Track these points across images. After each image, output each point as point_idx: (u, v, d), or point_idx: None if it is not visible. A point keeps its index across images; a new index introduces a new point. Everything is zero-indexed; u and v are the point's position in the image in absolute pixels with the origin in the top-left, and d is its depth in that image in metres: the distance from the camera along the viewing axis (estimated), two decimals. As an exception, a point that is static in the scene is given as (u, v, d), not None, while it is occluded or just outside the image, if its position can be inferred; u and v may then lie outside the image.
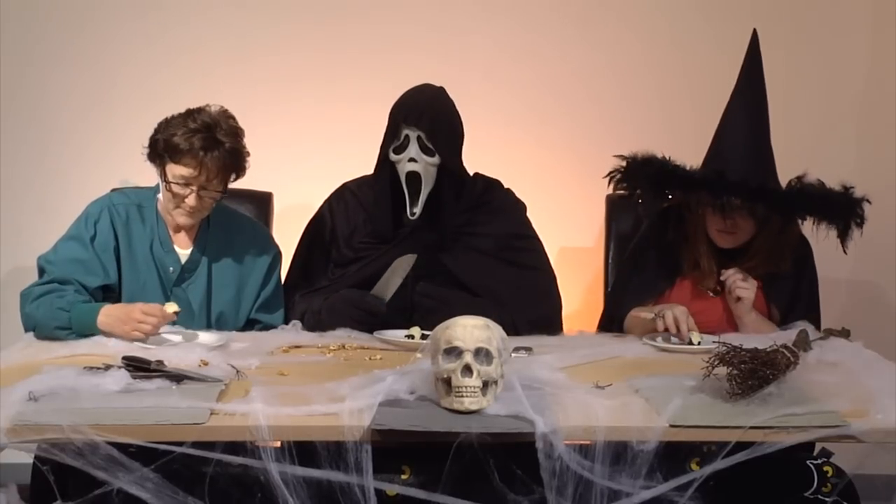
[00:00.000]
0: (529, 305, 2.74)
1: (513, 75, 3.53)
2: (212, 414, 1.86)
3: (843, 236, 2.68)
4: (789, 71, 3.41)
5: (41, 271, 2.60)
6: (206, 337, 2.50)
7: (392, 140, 2.74)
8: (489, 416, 1.88)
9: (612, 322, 2.87)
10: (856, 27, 3.54)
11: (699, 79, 3.49)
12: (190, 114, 2.58)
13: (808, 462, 2.13)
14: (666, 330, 2.56)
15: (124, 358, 2.08)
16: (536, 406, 1.89)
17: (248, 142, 2.65)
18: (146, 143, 2.61)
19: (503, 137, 3.45)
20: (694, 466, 1.91)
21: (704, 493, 1.89)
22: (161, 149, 2.57)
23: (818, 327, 2.71)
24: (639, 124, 3.48)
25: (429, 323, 2.30)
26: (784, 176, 2.71)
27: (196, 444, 1.82)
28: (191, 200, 2.58)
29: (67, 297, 2.48)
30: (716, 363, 2.00)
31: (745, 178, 2.63)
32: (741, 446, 1.85)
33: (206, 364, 2.20)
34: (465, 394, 1.87)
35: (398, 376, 2.00)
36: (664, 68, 3.54)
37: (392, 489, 1.94)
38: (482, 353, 1.89)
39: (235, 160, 2.61)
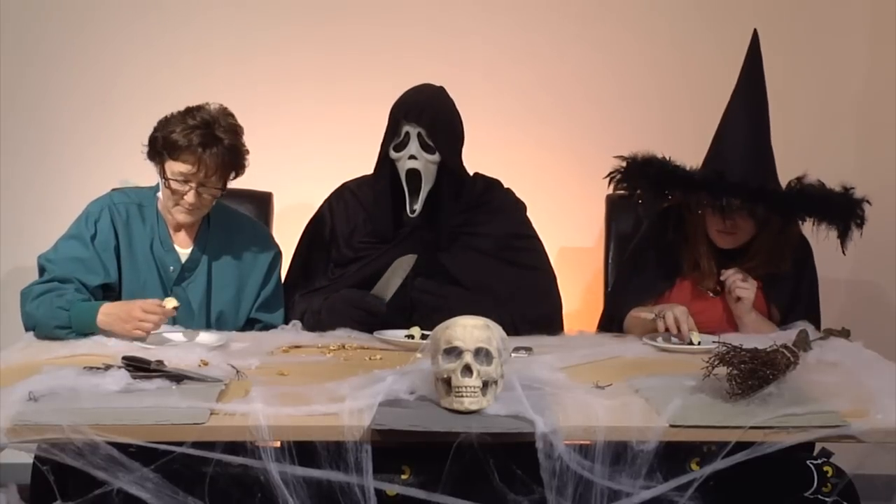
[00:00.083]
0: (529, 305, 2.74)
1: (513, 76, 3.53)
2: (212, 414, 1.86)
3: (843, 237, 2.68)
4: (789, 71, 3.41)
5: (41, 270, 2.60)
6: (205, 337, 2.50)
7: (392, 138, 2.73)
8: (489, 416, 1.88)
9: (612, 322, 2.87)
10: (855, 28, 3.54)
11: (699, 79, 3.49)
12: (189, 111, 2.58)
13: (808, 462, 2.13)
14: (666, 330, 2.56)
15: (124, 358, 2.08)
16: (536, 406, 1.89)
17: (249, 142, 2.66)
18: (146, 142, 2.61)
19: (503, 138, 3.45)
20: (694, 466, 1.91)
21: (704, 493, 1.89)
22: (160, 146, 2.57)
23: (818, 327, 2.71)
24: (638, 124, 3.48)
25: (429, 323, 2.30)
26: (784, 176, 2.71)
27: (196, 444, 1.81)
28: (189, 197, 2.58)
29: (67, 296, 2.48)
30: (716, 363, 2.00)
31: (745, 178, 2.63)
32: (741, 446, 1.85)
33: (206, 364, 2.20)
34: (465, 394, 1.87)
35: (398, 376, 2.00)
36: (664, 69, 3.54)
37: (392, 489, 1.94)
38: (482, 353, 1.89)
39: (234, 157, 2.61)
